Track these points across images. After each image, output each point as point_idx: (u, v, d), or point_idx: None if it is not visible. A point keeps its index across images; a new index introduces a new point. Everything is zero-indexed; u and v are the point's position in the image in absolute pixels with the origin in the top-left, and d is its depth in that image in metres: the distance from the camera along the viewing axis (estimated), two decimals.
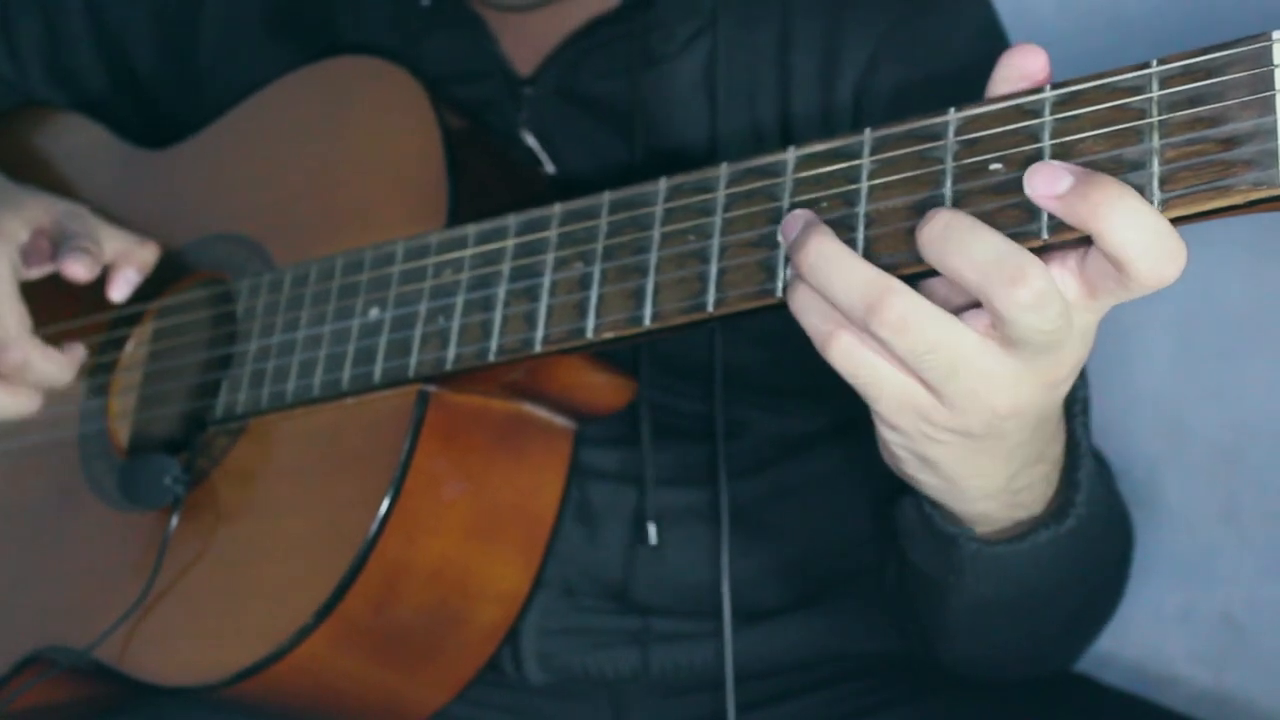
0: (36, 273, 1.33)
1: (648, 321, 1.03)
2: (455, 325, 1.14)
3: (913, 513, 1.10)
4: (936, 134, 0.92)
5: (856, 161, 0.95)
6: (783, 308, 0.95)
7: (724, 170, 1.01)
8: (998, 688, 1.32)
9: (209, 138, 1.41)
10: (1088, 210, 0.84)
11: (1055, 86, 0.89)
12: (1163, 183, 0.84)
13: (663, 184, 1.05)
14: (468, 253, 1.15)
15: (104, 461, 1.36)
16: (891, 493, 1.12)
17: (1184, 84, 0.85)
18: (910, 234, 0.90)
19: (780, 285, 0.96)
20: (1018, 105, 0.90)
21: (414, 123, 1.25)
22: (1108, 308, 0.90)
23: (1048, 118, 0.88)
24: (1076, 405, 1.08)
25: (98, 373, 1.38)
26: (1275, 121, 0.82)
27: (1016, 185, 0.88)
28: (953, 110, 0.92)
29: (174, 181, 1.42)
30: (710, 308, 1.00)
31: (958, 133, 0.92)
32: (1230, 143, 0.83)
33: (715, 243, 1.00)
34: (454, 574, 1.22)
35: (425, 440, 1.17)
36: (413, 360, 1.16)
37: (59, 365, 1.33)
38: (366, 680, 1.24)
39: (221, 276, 1.34)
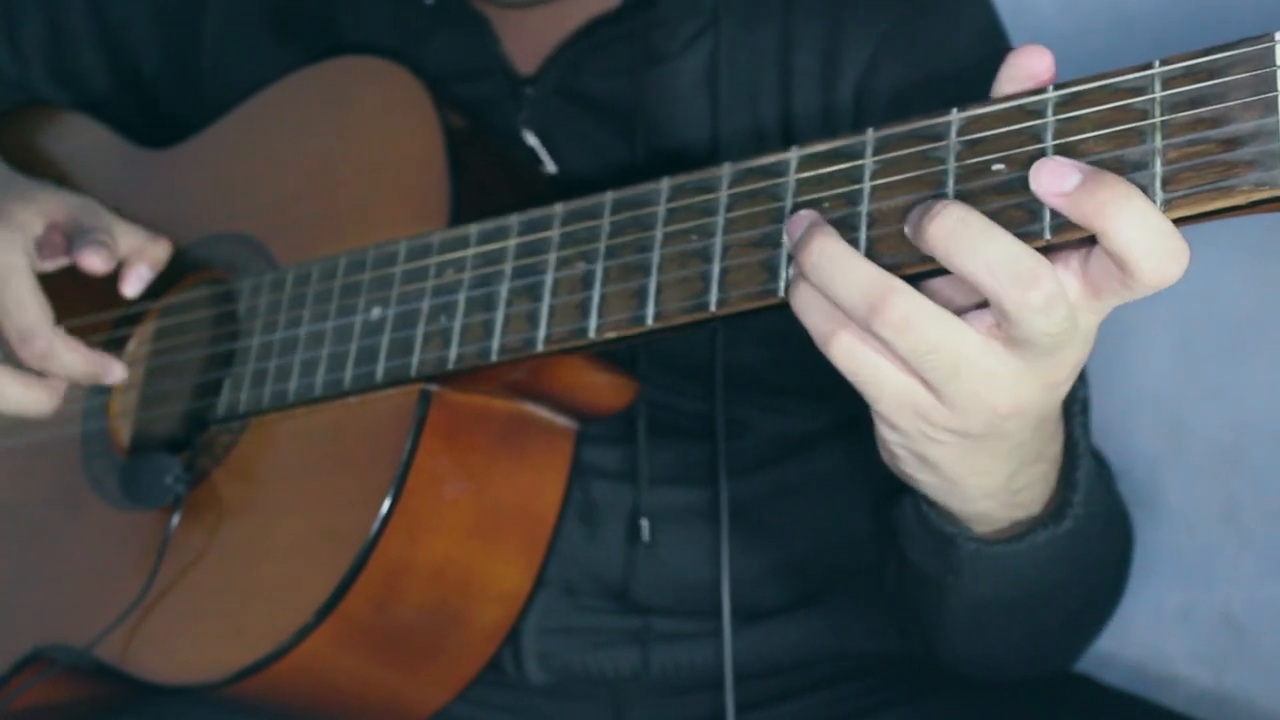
0: (50, 265, 1.31)
1: (650, 321, 1.03)
2: (457, 324, 1.14)
3: (911, 512, 1.10)
4: (939, 134, 0.92)
5: (859, 161, 0.95)
6: (785, 307, 0.95)
7: (726, 170, 1.01)
8: (998, 688, 1.32)
9: (211, 138, 1.41)
10: (1094, 208, 0.84)
11: (1058, 87, 0.89)
12: (1165, 183, 0.84)
13: (665, 183, 1.05)
14: (470, 252, 1.15)
15: (105, 460, 1.36)
16: (892, 492, 1.12)
17: (1186, 85, 0.85)
18: None
19: (782, 285, 0.96)
20: (1020, 106, 0.90)
21: (416, 123, 1.25)
22: (1110, 308, 0.90)
23: (1050, 118, 0.89)
24: (1075, 405, 1.08)
25: None
26: (1277, 122, 0.82)
27: (1019, 185, 0.88)
28: (955, 110, 0.92)
29: (176, 181, 1.42)
30: (713, 307, 1.00)
31: (960, 133, 0.92)
32: (1232, 143, 0.83)
33: (718, 242, 1.00)
34: (455, 573, 1.22)
35: (427, 439, 1.17)
36: (415, 359, 1.16)
37: (82, 357, 1.31)
38: (367, 679, 1.24)
39: (224, 276, 1.34)
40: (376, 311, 1.19)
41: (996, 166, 0.90)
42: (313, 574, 1.18)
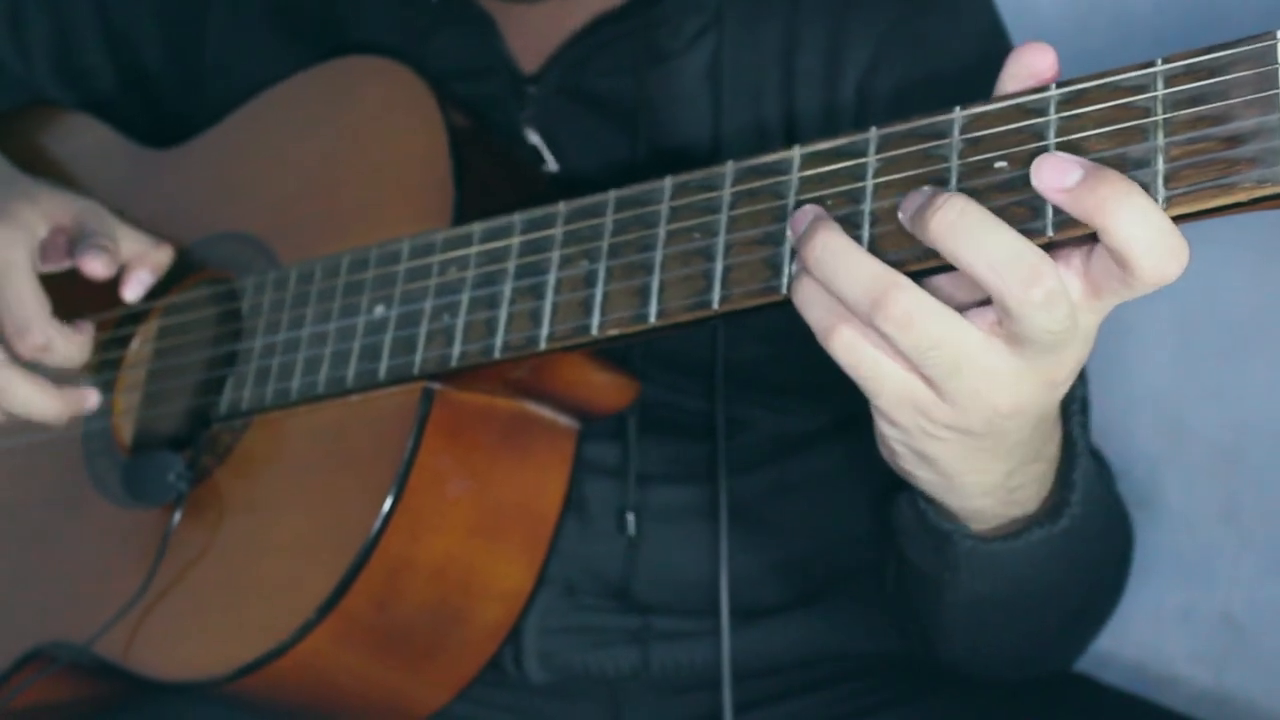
0: (51, 268, 1.32)
1: (653, 319, 1.03)
2: (460, 322, 1.14)
3: (908, 509, 1.10)
4: (941, 132, 0.92)
5: (862, 159, 0.95)
6: (787, 305, 0.96)
7: (729, 168, 1.02)
8: (998, 688, 1.32)
9: (215, 137, 1.41)
10: (1094, 204, 0.84)
11: (1059, 85, 0.89)
12: (1167, 180, 0.85)
13: (668, 182, 1.05)
14: (473, 250, 1.15)
15: (107, 458, 1.36)
16: (892, 490, 1.12)
17: (1188, 83, 0.85)
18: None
19: (785, 283, 0.97)
20: (1022, 104, 0.90)
21: (419, 122, 1.25)
22: (1110, 307, 0.90)
23: (1052, 116, 0.89)
24: (1074, 405, 1.08)
25: (102, 370, 1.38)
26: (1279, 120, 0.82)
27: (1021, 183, 0.88)
28: (958, 109, 0.92)
29: (179, 181, 1.43)
30: (715, 305, 1.00)
31: (962, 131, 0.92)
32: (1234, 141, 0.83)
33: (720, 240, 1.00)
34: (457, 572, 1.22)
35: (429, 437, 1.17)
36: (418, 357, 1.16)
37: (78, 346, 1.33)
38: (368, 677, 1.24)
39: (227, 275, 1.34)
40: (380, 310, 1.20)
41: (999, 164, 0.90)
42: (314, 571, 1.18)
